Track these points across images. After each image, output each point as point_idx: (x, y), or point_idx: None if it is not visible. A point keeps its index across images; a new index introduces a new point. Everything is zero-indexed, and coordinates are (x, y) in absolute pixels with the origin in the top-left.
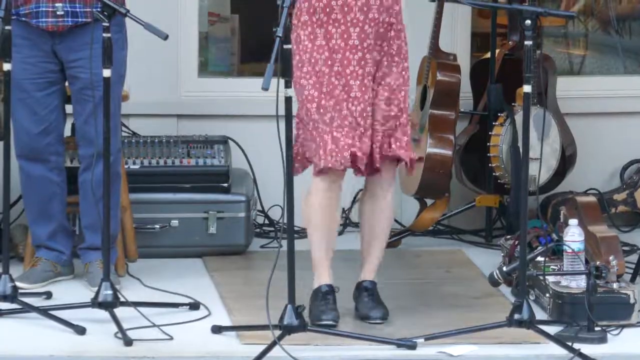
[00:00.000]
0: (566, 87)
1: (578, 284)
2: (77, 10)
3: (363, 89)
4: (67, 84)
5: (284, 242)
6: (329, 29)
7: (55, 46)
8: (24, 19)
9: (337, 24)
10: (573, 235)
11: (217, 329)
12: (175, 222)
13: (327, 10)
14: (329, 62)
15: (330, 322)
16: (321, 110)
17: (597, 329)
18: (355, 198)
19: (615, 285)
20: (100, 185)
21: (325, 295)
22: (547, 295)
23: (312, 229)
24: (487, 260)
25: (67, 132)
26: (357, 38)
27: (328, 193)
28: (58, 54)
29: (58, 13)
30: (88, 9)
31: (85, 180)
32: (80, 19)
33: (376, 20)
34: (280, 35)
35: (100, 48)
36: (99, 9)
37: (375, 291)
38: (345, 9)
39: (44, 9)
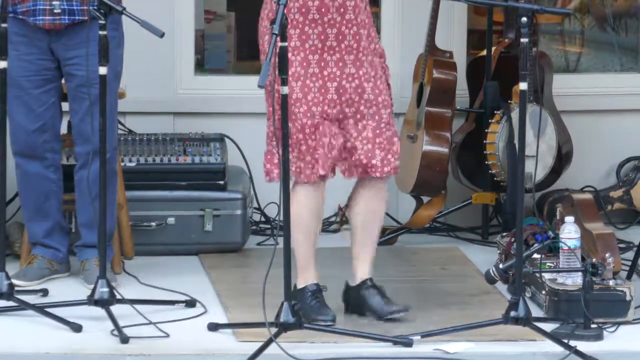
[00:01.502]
0: (562, 85)
1: (574, 281)
2: (74, 8)
3: (341, 91)
4: (63, 81)
5: (281, 240)
6: (305, 29)
7: (52, 44)
8: (21, 16)
9: (313, 24)
10: (569, 233)
11: (213, 327)
12: (171, 220)
13: (304, 10)
14: (304, 64)
15: (329, 322)
16: (292, 117)
17: (593, 326)
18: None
19: (611, 283)
20: (96, 183)
21: (315, 294)
22: (544, 292)
23: (296, 229)
24: (484, 258)
25: (64, 129)
26: (335, 39)
27: (313, 194)
28: (55, 52)
29: (55, 11)
30: (85, 7)
31: (82, 178)
32: (77, 17)
33: (353, 22)
34: (277, 32)
35: (96, 46)
36: (95, 7)
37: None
38: (323, 9)
39: (41, 7)
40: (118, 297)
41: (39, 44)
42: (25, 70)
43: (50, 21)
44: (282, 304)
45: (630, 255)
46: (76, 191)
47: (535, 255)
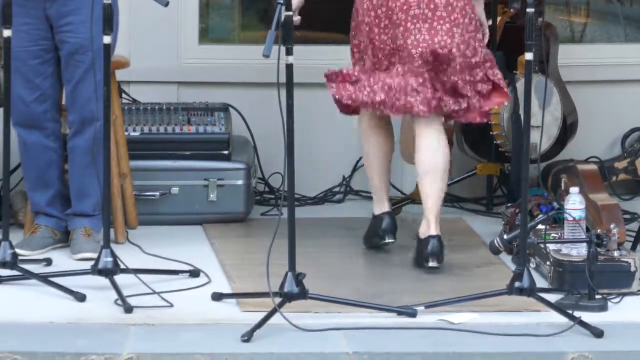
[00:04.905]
0: (567, 55)
1: (579, 252)
2: None
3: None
4: None
5: (285, 210)
6: None
7: (46, 10)
8: None
9: None
10: (574, 203)
11: (217, 296)
12: (175, 190)
13: None
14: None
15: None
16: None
17: (597, 297)
18: (355, 166)
19: (616, 254)
20: (88, 151)
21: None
22: (548, 263)
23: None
24: (488, 229)
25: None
26: None
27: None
28: (49, 19)
29: None
30: None
31: (75, 146)
32: None
33: None
34: (282, 1)
35: (92, 12)
36: None
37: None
38: None
39: None
40: (122, 266)
41: (34, 13)
42: (22, 40)
43: None
44: (286, 273)
45: (635, 226)
46: (69, 159)
47: (540, 226)
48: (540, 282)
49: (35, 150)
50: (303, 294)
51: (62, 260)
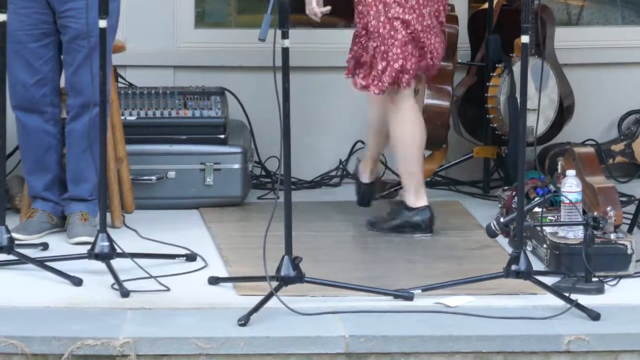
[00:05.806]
0: (564, 38)
1: (575, 234)
2: None
3: None
4: None
5: (281, 194)
6: None
7: None
8: None
9: None
10: (571, 186)
11: (214, 280)
12: (171, 174)
13: None
14: None
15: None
16: None
17: (594, 279)
18: (352, 150)
19: (612, 236)
20: (84, 136)
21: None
22: (545, 246)
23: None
24: (485, 212)
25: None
26: None
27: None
28: (51, 4)
29: None
30: None
31: (73, 130)
32: None
33: None
34: None
35: None
36: None
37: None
38: None
39: None
40: (118, 250)
41: None
42: (23, 24)
43: None
44: (282, 257)
45: (631, 208)
46: (66, 143)
47: (537, 209)
48: (537, 265)
49: (34, 134)
50: (300, 278)
51: (58, 244)
